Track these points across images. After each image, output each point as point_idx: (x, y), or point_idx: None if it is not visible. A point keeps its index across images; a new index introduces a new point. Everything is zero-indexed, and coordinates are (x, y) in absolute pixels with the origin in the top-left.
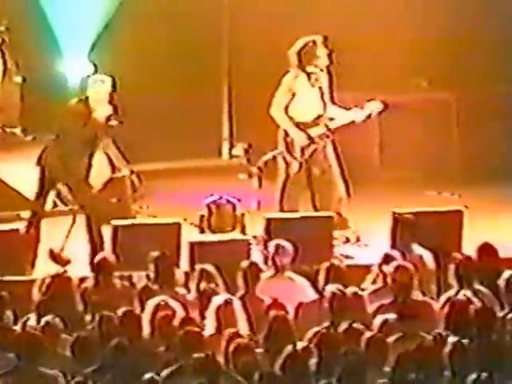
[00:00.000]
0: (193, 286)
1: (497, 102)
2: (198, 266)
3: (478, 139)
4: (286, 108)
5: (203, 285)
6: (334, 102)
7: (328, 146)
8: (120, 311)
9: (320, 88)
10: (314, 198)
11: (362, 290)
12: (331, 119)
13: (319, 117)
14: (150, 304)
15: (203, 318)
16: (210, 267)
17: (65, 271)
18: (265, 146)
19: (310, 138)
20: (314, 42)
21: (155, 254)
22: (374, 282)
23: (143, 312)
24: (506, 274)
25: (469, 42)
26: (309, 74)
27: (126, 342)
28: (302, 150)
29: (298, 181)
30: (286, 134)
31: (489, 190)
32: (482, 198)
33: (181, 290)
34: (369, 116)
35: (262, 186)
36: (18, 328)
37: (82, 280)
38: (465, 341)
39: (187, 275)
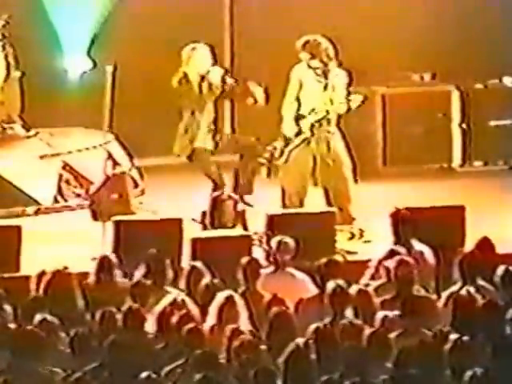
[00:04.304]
0: (182, 283)
1: (500, 96)
2: (188, 264)
3: (481, 133)
4: (298, 99)
5: (206, 281)
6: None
7: (332, 139)
8: (124, 307)
9: (326, 84)
10: (329, 193)
11: (366, 285)
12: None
13: (313, 110)
14: (163, 302)
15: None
16: (198, 264)
17: (65, 267)
18: (266, 141)
19: (299, 130)
20: (320, 42)
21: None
22: (373, 277)
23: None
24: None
25: (472, 35)
26: (315, 69)
27: (127, 339)
28: (287, 140)
29: (296, 176)
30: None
31: (492, 186)
32: (485, 194)
33: (172, 290)
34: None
35: (270, 176)
36: (16, 325)
37: (83, 276)
38: (467, 337)
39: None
